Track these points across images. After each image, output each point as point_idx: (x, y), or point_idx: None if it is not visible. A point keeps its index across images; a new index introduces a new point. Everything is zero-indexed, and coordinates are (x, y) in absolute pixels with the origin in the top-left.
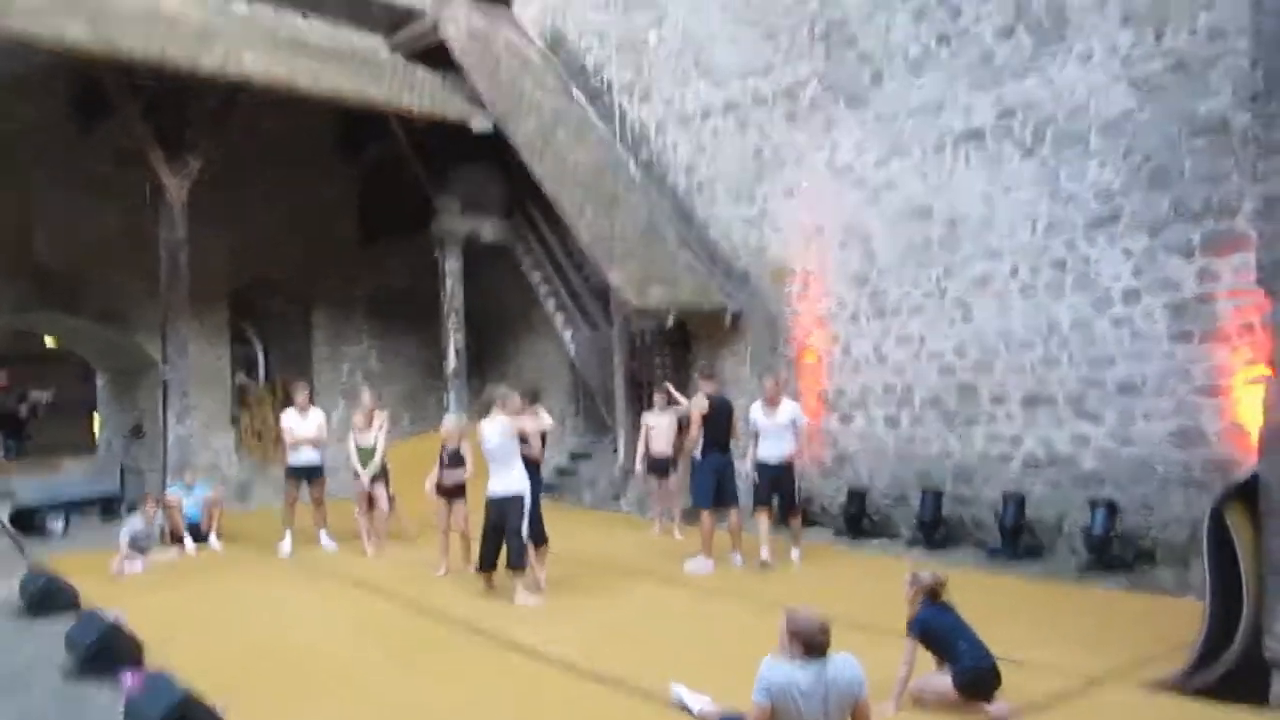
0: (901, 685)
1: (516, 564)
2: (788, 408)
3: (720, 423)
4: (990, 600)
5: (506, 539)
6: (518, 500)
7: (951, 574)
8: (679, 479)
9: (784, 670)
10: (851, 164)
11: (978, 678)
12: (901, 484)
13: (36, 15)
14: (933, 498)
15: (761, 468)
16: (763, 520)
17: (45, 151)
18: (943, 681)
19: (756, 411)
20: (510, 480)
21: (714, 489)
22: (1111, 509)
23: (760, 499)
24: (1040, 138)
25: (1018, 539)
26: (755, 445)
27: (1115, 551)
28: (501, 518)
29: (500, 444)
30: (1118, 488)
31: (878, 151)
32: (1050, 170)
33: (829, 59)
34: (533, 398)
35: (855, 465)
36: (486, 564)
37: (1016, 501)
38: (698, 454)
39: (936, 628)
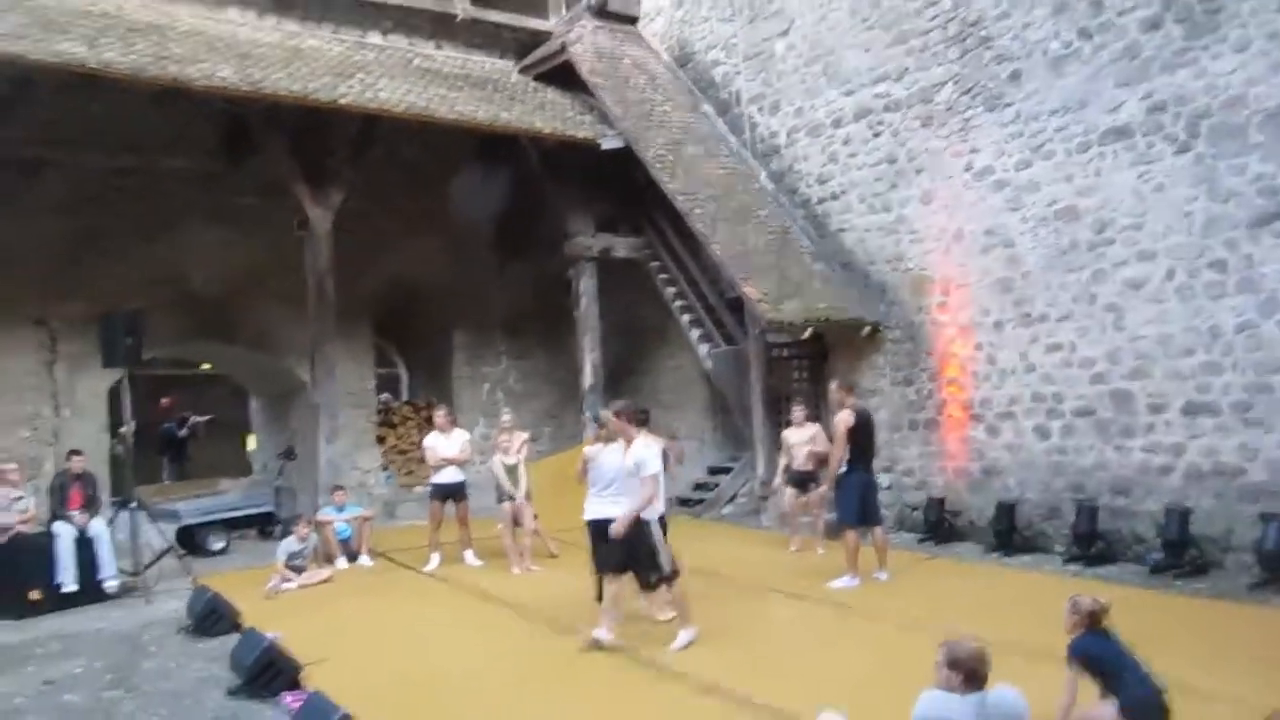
0: (1064, 715)
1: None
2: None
3: (865, 437)
4: (1154, 621)
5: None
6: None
7: (1111, 592)
8: (821, 494)
9: (943, 703)
10: (991, 167)
11: (1145, 709)
12: (1054, 497)
13: (189, 61)
14: (1088, 511)
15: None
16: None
17: (197, 192)
18: (1108, 712)
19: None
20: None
21: (859, 506)
22: None
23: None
24: (1195, 132)
25: (1182, 555)
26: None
27: None
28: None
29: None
30: None
31: (1019, 153)
32: (1207, 166)
33: (964, 60)
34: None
35: (1004, 478)
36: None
37: (1180, 515)
38: (843, 468)
39: (1099, 656)
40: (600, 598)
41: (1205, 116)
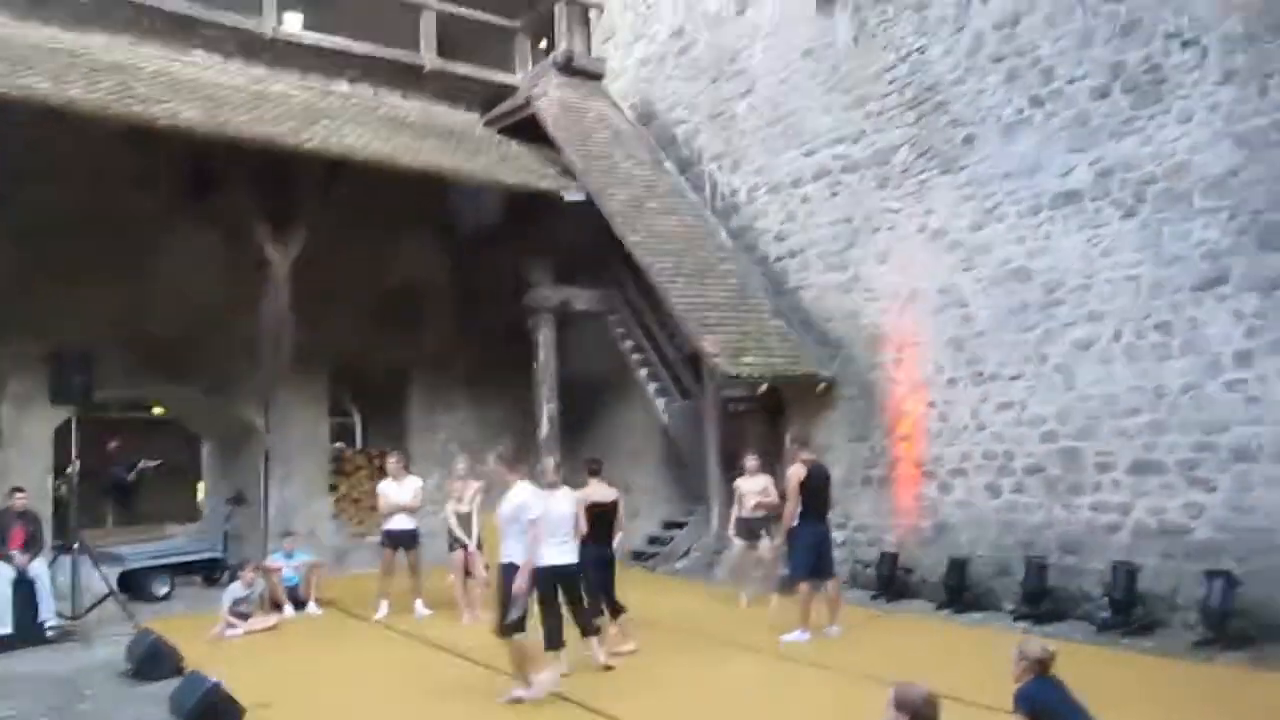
0: None
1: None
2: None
3: (818, 491)
4: (1102, 676)
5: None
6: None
7: (1060, 648)
8: (775, 548)
9: None
10: (945, 228)
11: None
12: (1004, 554)
13: (154, 100)
14: (1037, 568)
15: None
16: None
17: (158, 231)
18: None
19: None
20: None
21: (813, 560)
22: (1230, 581)
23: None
24: (1141, 198)
25: (1129, 612)
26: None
27: (1236, 626)
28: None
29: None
30: (1236, 559)
31: (972, 215)
32: (1152, 231)
33: (920, 124)
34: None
35: (956, 534)
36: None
37: (1127, 573)
38: (795, 522)
39: (1045, 703)
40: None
41: (1151, 183)
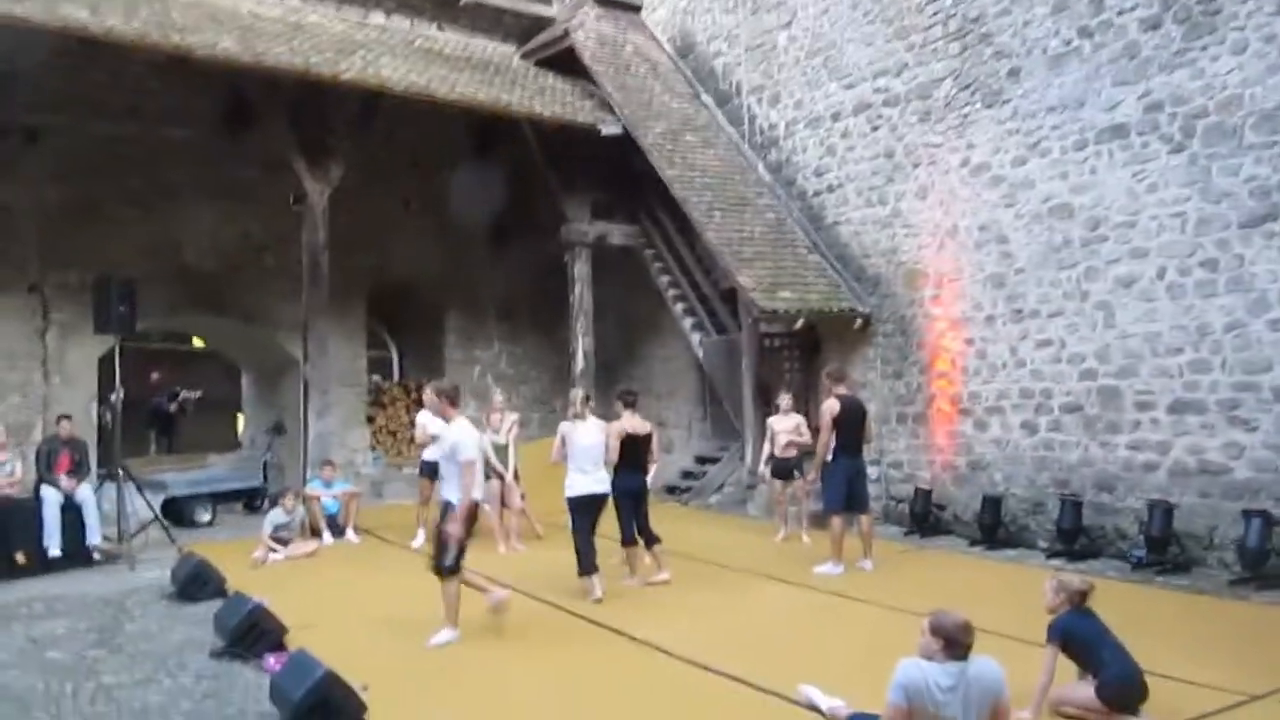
0: (1041, 694)
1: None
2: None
3: (852, 426)
4: (1135, 612)
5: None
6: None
7: (1094, 584)
8: (809, 482)
9: (922, 669)
10: (988, 163)
11: (1123, 689)
12: (1039, 492)
13: (191, 31)
14: (1072, 506)
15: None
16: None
17: (195, 164)
18: (1085, 692)
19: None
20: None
21: (845, 493)
22: (1268, 521)
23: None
24: (1190, 133)
25: (1164, 550)
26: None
27: (1273, 565)
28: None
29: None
30: (1275, 499)
31: (1016, 150)
32: (1201, 166)
33: (964, 56)
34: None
35: (990, 472)
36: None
37: (1163, 511)
38: (829, 458)
39: (1080, 635)
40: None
41: (1201, 117)
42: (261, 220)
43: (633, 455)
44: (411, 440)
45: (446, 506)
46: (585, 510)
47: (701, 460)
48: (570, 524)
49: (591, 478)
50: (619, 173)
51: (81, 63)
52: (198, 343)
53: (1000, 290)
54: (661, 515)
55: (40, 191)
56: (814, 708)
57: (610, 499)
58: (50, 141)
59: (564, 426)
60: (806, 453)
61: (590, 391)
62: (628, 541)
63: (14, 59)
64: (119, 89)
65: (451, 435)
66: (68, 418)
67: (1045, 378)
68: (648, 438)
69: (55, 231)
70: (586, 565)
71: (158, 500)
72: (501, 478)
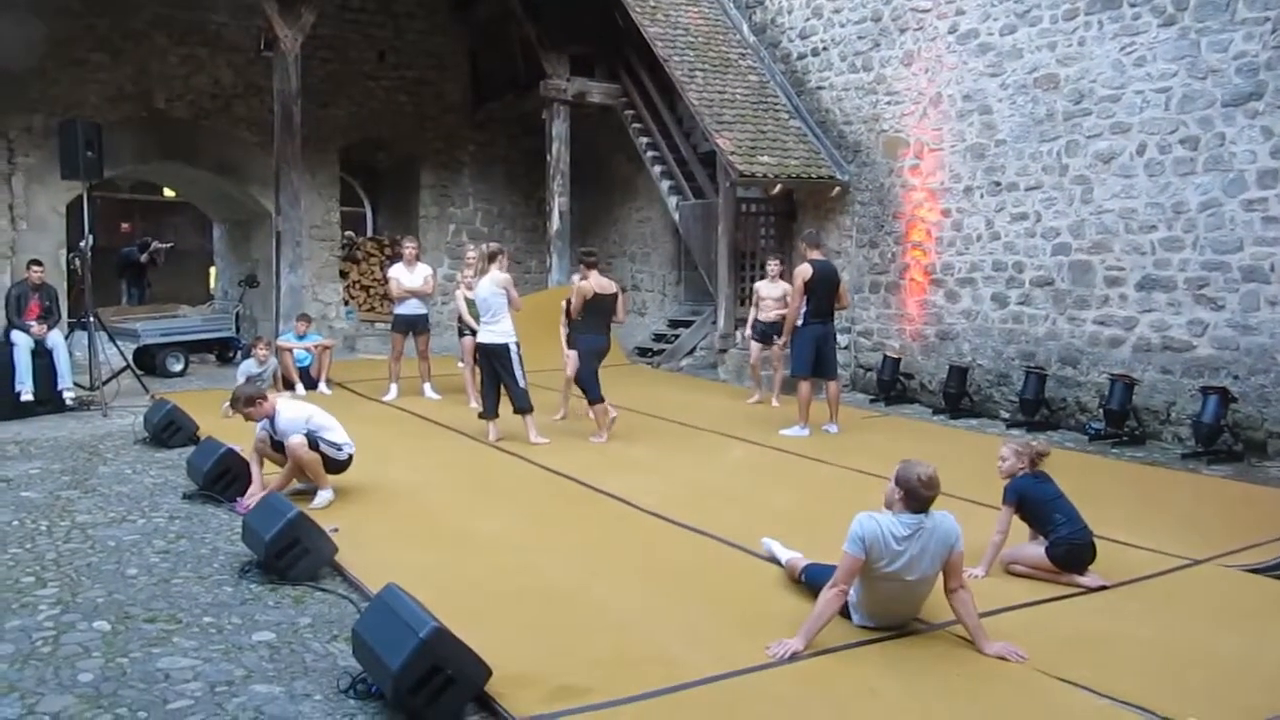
0: (994, 551)
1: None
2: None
3: (824, 291)
4: (1089, 480)
5: (505, 386)
6: (504, 349)
7: (1051, 452)
8: (780, 346)
9: (878, 521)
10: (976, 30)
11: (1072, 549)
12: (1005, 364)
13: None
14: (1036, 378)
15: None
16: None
17: (164, 6)
18: (1035, 551)
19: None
20: (497, 331)
21: (813, 358)
22: (1225, 397)
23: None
24: (1182, 5)
25: (1122, 424)
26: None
27: (1225, 442)
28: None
29: (488, 297)
30: (1234, 377)
31: (1005, 18)
32: (1191, 40)
33: None
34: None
35: (958, 343)
36: (489, 411)
37: (1124, 386)
38: (800, 320)
39: (1034, 496)
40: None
41: None
42: (233, 67)
43: (598, 316)
44: (385, 296)
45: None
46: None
47: (674, 324)
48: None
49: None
50: (600, 28)
51: None
52: (169, 193)
53: (980, 161)
54: (632, 378)
55: (6, 34)
56: (774, 559)
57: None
58: None
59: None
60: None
61: (566, 250)
62: (595, 400)
63: None
64: None
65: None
66: (38, 263)
67: (1018, 251)
68: (614, 297)
69: (20, 75)
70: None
71: (129, 349)
72: (474, 334)
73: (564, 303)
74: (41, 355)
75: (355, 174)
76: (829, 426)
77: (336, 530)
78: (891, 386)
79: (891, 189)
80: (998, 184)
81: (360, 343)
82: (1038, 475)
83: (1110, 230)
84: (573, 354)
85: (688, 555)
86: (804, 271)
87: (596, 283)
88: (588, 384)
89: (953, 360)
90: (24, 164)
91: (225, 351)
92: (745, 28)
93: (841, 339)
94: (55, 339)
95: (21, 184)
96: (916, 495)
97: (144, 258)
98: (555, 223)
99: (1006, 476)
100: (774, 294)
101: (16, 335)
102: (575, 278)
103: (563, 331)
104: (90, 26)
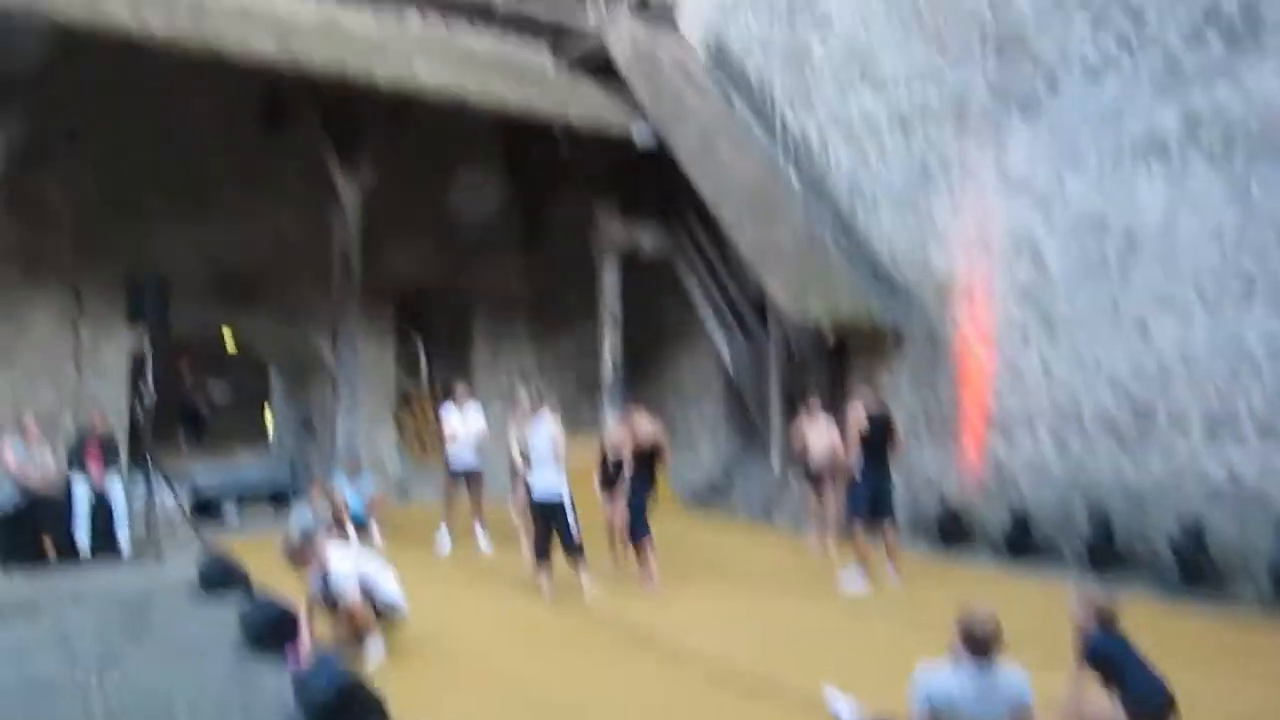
0: (1067, 707)
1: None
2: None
3: (878, 436)
4: (1165, 633)
5: (558, 533)
6: (556, 498)
7: (1124, 603)
8: (836, 493)
9: (944, 676)
10: (1023, 174)
11: (1152, 708)
12: (1068, 508)
13: (228, 30)
14: (1102, 523)
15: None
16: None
17: (231, 162)
18: (1111, 709)
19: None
20: (550, 480)
21: (870, 503)
22: None
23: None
24: (1231, 147)
25: (1196, 571)
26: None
27: None
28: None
29: (541, 445)
30: None
31: (1052, 162)
32: (1241, 182)
33: (1001, 66)
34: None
35: (1019, 486)
36: (542, 558)
37: (1195, 531)
38: (856, 467)
39: (1107, 652)
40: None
41: (1242, 132)
42: (294, 218)
43: (645, 459)
44: (438, 440)
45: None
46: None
47: (728, 468)
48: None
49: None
50: (651, 178)
51: (122, 62)
52: (228, 339)
53: (1033, 304)
54: (685, 522)
55: (79, 188)
56: (836, 713)
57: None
58: (89, 139)
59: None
60: (838, 461)
61: (618, 394)
62: (641, 540)
63: (56, 58)
64: (157, 88)
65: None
66: (100, 411)
67: (1077, 393)
68: (658, 440)
69: (93, 228)
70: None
71: (186, 496)
72: (528, 481)
73: (604, 449)
74: (100, 503)
75: (410, 318)
76: (889, 574)
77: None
78: (951, 531)
79: (944, 332)
80: (1052, 326)
81: (413, 488)
82: (1108, 630)
83: (1170, 371)
84: (620, 503)
85: (748, 708)
86: (858, 417)
87: (642, 427)
88: (635, 525)
89: (1014, 504)
90: (92, 314)
91: (280, 498)
92: (793, 175)
93: (899, 482)
94: (114, 487)
95: (88, 333)
96: (982, 645)
97: (202, 403)
98: (608, 368)
99: (1077, 632)
100: (820, 435)
101: (76, 483)
102: (619, 422)
103: (597, 478)
104: (159, 182)
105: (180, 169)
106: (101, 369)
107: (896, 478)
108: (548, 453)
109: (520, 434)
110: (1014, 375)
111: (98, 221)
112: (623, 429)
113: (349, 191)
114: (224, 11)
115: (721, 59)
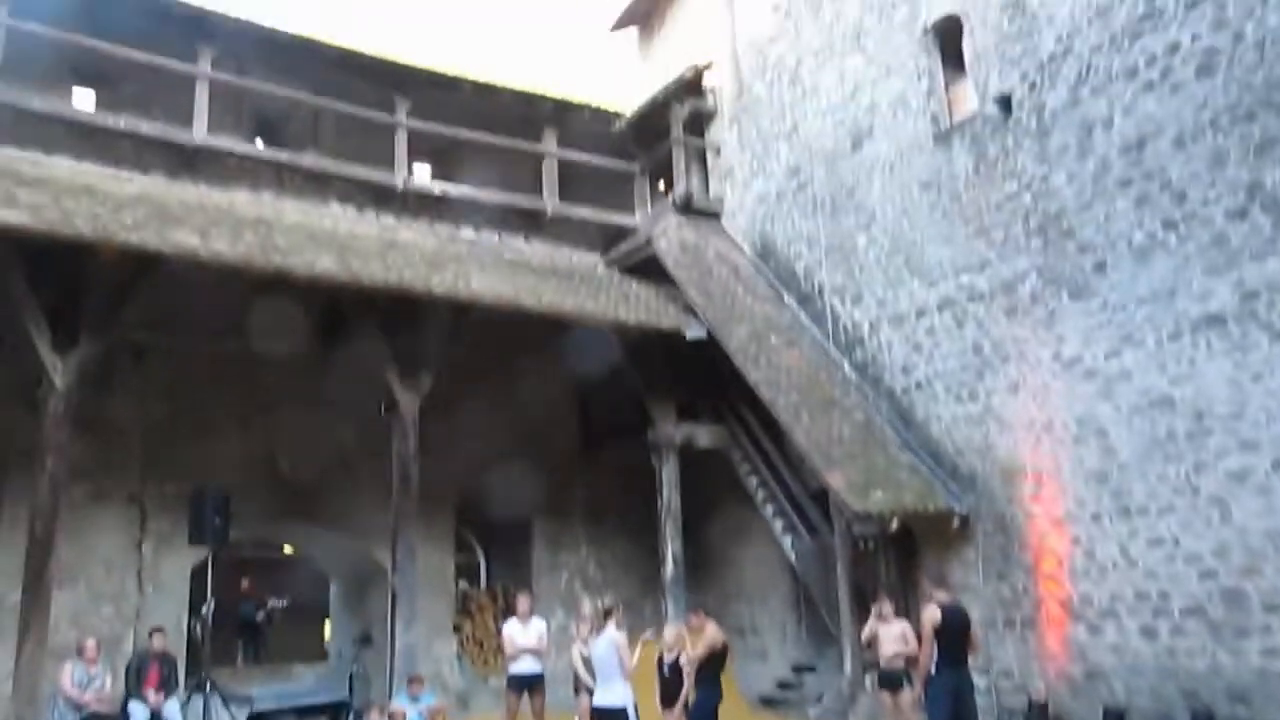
0: None
1: None
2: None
3: (955, 635)
4: None
5: None
6: (621, 713)
7: None
8: (914, 696)
9: None
10: (1080, 356)
11: None
12: (1166, 704)
13: (292, 252)
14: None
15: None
16: None
17: (291, 376)
18: None
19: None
20: (615, 693)
21: (951, 710)
22: None
23: None
24: None
25: None
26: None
27: None
28: None
29: (604, 656)
30: None
31: (1108, 342)
32: None
33: (1047, 251)
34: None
35: (1110, 681)
36: None
37: None
38: (932, 669)
39: None
40: None
41: None
42: (353, 429)
43: (712, 667)
44: (499, 650)
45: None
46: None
47: (798, 669)
48: None
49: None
50: (704, 374)
51: (188, 283)
52: (287, 549)
53: (1104, 486)
54: None
55: (144, 406)
56: None
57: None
58: (155, 358)
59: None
60: (914, 661)
61: (681, 596)
62: None
63: (129, 279)
64: (222, 306)
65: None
66: (160, 631)
67: (1161, 578)
68: (724, 646)
69: (157, 444)
70: None
71: (243, 714)
72: (590, 691)
73: (661, 660)
74: None
75: (469, 524)
76: None
77: None
78: None
79: (1014, 518)
80: (1126, 508)
81: (474, 700)
82: None
83: (1258, 552)
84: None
85: None
86: (932, 616)
87: (705, 632)
88: None
89: (1106, 701)
90: (154, 530)
91: (339, 715)
92: (846, 366)
93: (980, 681)
94: (171, 709)
95: (151, 549)
96: None
97: (260, 616)
98: (669, 568)
99: None
100: (892, 635)
101: (134, 706)
102: (675, 629)
103: (656, 691)
104: (222, 398)
105: (244, 384)
106: (162, 586)
107: (977, 678)
108: (613, 664)
109: (584, 645)
110: (1091, 561)
111: (162, 437)
112: (682, 634)
113: (407, 401)
114: (289, 234)
115: (768, 253)
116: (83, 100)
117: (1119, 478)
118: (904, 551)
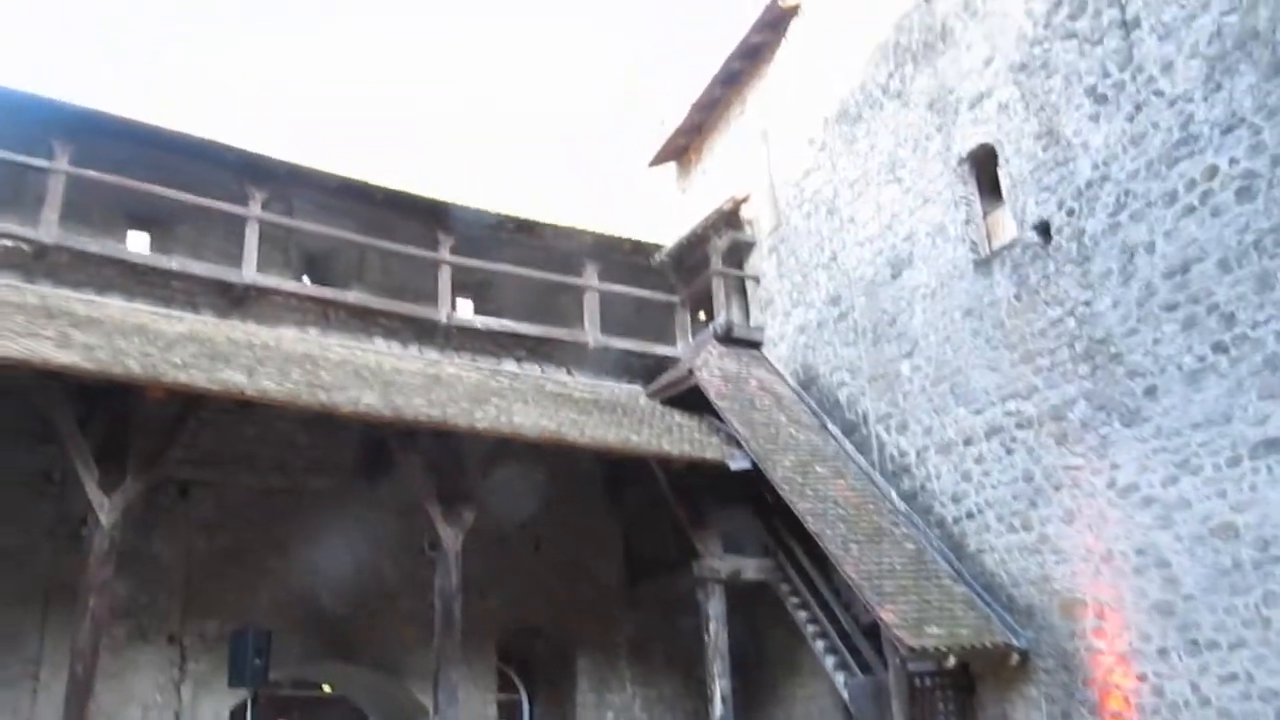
0: None
1: None
2: None
3: None
4: None
5: None
6: None
7: None
8: None
9: None
10: (1136, 483)
11: None
12: None
13: (337, 388)
14: None
15: None
16: None
17: (334, 512)
18: None
19: None
20: None
21: None
22: None
23: None
24: None
25: None
26: None
27: None
28: None
29: None
30: None
31: (1164, 469)
32: None
33: (1095, 376)
34: None
35: None
36: None
37: None
38: None
39: None
40: None
41: None
42: (395, 565)
43: None
44: None
45: None
46: None
47: None
48: None
49: None
50: (749, 506)
51: (234, 420)
52: (326, 688)
53: (1169, 619)
54: None
55: (188, 543)
56: None
57: None
58: (200, 494)
59: None
60: None
61: None
62: None
63: (177, 416)
64: (268, 443)
65: None
66: None
67: (1237, 717)
68: None
69: (199, 582)
70: None
71: None
72: None
73: None
74: None
75: (511, 661)
76: None
77: None
78: None
79: (1077, 654)
80: (1195, 642)
81: None
82: None
83: None
84: None
85: None
86: None
87: None
88: None
89: None
90: (194, 671)
91: None
92: (894, 495)
93: None
94: None
95: (190, 691)
96: None
97: None
98: (718, 707)
99: None
100: None
101: None
102: None
103: None
104: (266, 534)
105: (287, 520)
106: None
107: None
108: None
109: None
110: (1161, 699)
111: (204, 574)
112: None
113: (450, 537)
114: (335, 370)
115: (810, 382)
116: (137, 242)
117: (1185, 610)
118: (962, 689)
